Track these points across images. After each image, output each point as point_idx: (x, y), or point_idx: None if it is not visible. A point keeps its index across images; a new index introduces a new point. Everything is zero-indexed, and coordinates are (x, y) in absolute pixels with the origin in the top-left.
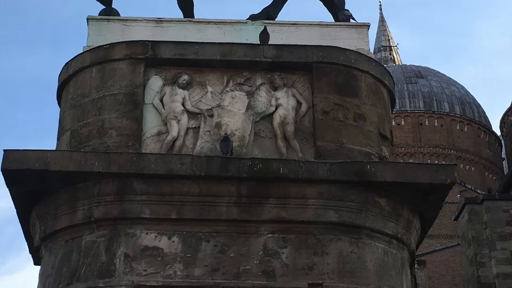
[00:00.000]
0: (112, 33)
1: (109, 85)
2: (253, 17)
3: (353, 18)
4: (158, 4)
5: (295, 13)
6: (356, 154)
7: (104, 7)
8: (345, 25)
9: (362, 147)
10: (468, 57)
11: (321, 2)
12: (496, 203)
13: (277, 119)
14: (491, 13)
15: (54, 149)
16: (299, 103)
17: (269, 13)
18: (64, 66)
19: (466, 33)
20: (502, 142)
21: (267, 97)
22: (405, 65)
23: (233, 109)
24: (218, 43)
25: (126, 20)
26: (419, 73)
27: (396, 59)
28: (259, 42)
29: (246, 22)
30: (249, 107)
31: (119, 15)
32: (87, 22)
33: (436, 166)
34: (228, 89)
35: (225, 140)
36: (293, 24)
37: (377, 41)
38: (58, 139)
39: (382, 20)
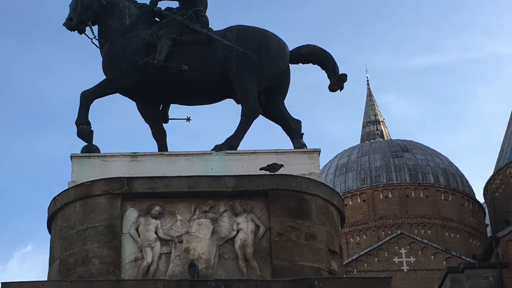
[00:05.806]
0: (93, 169)
1: (91, 218)
2: (217, 148)
3: (305, 146)
4: (135, 137)
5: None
6: (307, 270)
7: (85, 143)
8: (298, 151)
9: (313, 263)
10: (451, 127)
11: (280, 127)
12: (476, 271)
13: (238, 242)
14: (487, 78)
15: (47, 273)
16: (257, 227)
17: (232, 143)
18: (52, 200)
19: (462, 97)
20: (486, 209)
21: (229, 223)
22: (391, 140)
23: (200, 235)
24: (185, 176)
25: (105, 156)
26: (404, 147)
27: (384, 133)
28: (223, 170)
29: (211, 153)
30: (213, 232)
31: (99, 151)
32: (71, 159)
33: (375, 279)
34: (195, 216)
35: (192, 265)
36: (252, 152)
37: (365, 116)
38: (49, 265)
39: (370, 95)
